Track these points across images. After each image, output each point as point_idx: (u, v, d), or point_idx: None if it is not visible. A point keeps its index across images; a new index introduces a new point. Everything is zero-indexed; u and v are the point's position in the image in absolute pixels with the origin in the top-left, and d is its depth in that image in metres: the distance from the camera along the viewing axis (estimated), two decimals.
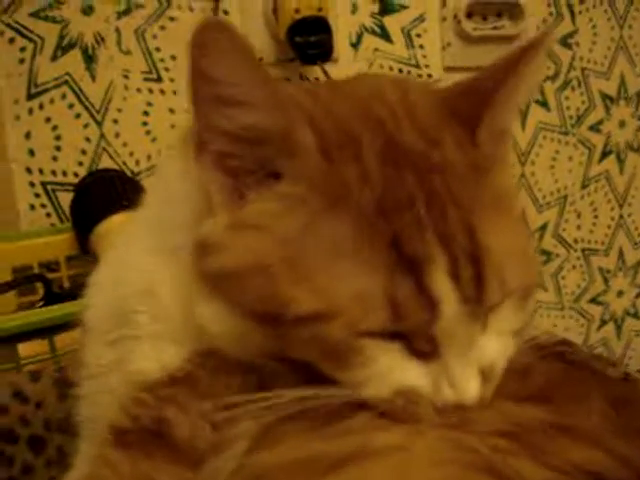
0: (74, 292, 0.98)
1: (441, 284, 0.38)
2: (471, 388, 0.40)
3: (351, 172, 0.39)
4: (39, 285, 1.01)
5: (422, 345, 0.40)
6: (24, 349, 0.75)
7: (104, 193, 0.97)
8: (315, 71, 1.16)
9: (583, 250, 1.58)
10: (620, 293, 1.65)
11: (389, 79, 0.49)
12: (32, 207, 1.10)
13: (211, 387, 0.43)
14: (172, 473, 0.41)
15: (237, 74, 0.39)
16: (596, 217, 1.57)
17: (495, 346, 0.42)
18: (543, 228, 1.50)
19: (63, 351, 0.77)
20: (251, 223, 0.41)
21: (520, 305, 0.43)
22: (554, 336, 0.52)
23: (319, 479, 0.35)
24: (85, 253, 0.98)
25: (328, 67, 1.10)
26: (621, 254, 1.62)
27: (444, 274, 0.38)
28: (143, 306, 0.47)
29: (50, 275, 1.01)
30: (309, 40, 1.05)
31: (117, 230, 0.92)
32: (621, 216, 1.59)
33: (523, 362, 0.45)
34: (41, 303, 0.96)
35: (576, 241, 1.55)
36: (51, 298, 0.96)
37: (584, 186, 1.53)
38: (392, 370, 0.40)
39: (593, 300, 1.63)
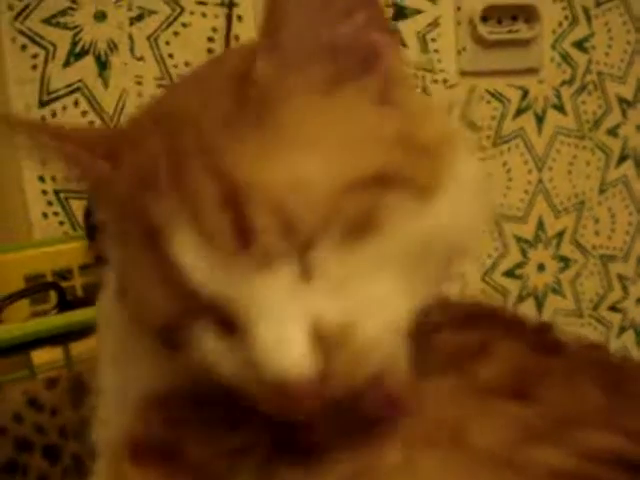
0: (88, 300, 0.98)
1: (183, 245, 0.32)
2: (292, 352, 0.31)
3: (127, 165, 0.36)
4: (52, 293, 1.00)
5: (223, 320, 0.33)
6: (38, 357, 0.74)
7: None
8: None
9: (601, 256, 1.56)
10: (639, 300, 1.63)
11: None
12: (45, 215, 1.10)
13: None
14: None
15: None
16: (614, 223, 1.55)
17: (344, 299, 0.33)
18: (560, 235, 1.48)
19: (78, 359, 0.76)
20: None
21: (362, 225, 0.33)
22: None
23: None
24: (99, 263, 0.97)
25: None
26: (639, 260, 1.61)
27: (185, 233, 0.32)
28: None
29: (63, 283, 1.01)
30: None
31: None
32: (639, 222, 1.58)
33: (474, 339, 0.41)
34: (55, 311, 0.96)
35: (594, 247, 1.53)
36: (65, 306, 0.96)
37: (602, 191, 1.51)
38: (211, 345, 0.34)
39: (612, 307, 1.61)
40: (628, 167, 1.53)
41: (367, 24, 0.36)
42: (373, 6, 0.37)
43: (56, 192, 1.10)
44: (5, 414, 0.60)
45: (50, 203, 1.10)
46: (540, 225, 1.46)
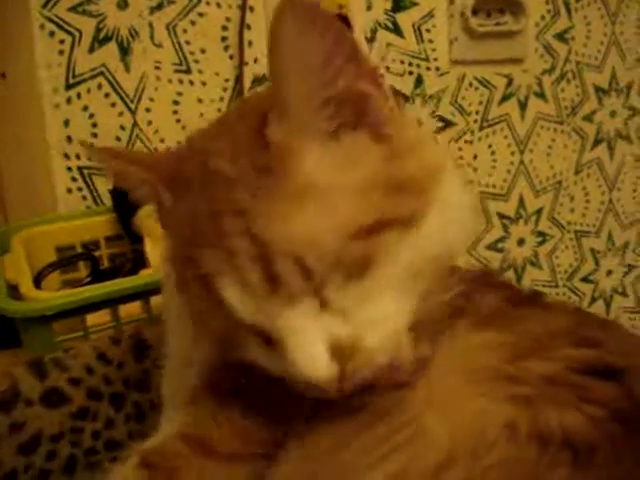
0: (117, 269, 1.06)
1: (228, 288, 0.42)
2: (314, 364, 0.41)
3: (182, 207, 0.45)
4: (81, 263, 1.08)
5: (266, 338, 0.44)
6: (90, 319, 0.82)
7: None
8: None
9: (576, 232, 1.64)
10: (609, 272, 1.72)
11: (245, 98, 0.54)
12: (69, 190, 1.15)
13: None
14: (263, 427, 0.48)
15: None
16: (588, 201, 1.63)
17: (350, 321, 0.43)
18: (539, 211, 1.57)
19: (125, 320, 0.84)
20: None
21: (362, 266, 0.42)
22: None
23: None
24: (128, 235, 1.05)
25: None
26: (610, 236, 1.69)
27: (228, 279, 0.41)
28: None
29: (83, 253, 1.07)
30: None
31: None
32: (610, 200, 1.65)
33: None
34: (88, 279, 1.03)
35: (569, 223, 1.61)
36: (98, 275, 1.03)
37: (577, 172, 1.59)
38: (259, 358, 0.46)
39: (584, 279, 1.69)
40: (602, 150, 1.61)
41: (356, 76, 0.43)
42: (357, 59, 0.43)
43: (80, 169, 1.15)
44: (79, 367, 0.69)
45: (74, 179, 1.15)
46: (521, 203, 1.54)
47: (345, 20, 1.14)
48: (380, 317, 0.43)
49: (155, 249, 0.98)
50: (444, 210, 0.45)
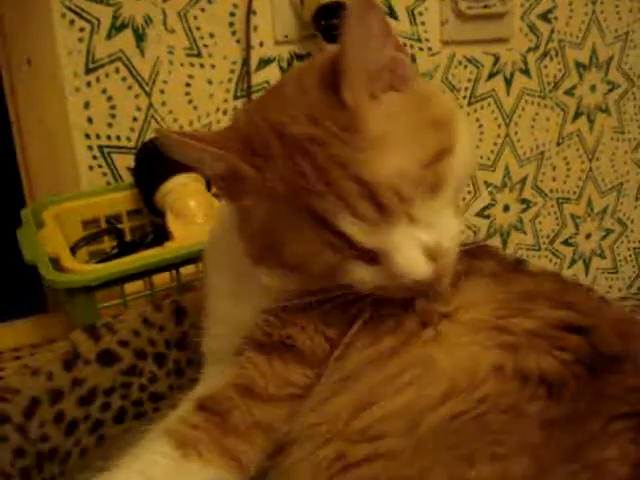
0: (140, 241, 1.15)
1: (347, 223, 0.52)
2: (417, 266, 0.53)
3: (271, 176, 0.54)
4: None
5: (370, 258, 0.54)
6: (128, 287, 0.92)
7: (166, 157, 1.13)
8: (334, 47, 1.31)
9: (557, 199, 1.73)
10: (588, 236, 1.81)
11: (293, 74, 0.63)
12: (90, 168, 1.23)
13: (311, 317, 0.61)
14: (299, 372, 0.59)
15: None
16: (569, 170, 1.71)
17: (433, 230, 0.54)
18: (523, 180, 1.65)
19: (159, 288, 0.94)
20: (251, 221, 0.58)
21: (434, 187, 0.53)
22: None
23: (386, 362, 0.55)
24: (149, 209, 1.14)
25: None
26: (590, 202, 1.77)
27: (346, 216, 0.52)
28: None
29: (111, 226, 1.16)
30: (332, 23, 1.21)
31: (179, 190, 1.09)
32: (590, 169, 1.74)
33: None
34: (115, 251, 1.13)
35: (551, 191, 1.70)
36: (123, 247, 1.13)
37: (559, 143, 1.67)
38: (360, 274, 0.56)
39: (565, 242, 1.79)
40: (582, 123, 1.69)
41: (394, 46, 0.56)
42: (392, 34, 0.56)
43: (100, 147, 1.22)
44: (126, 330, 0.79)
45: (95, 157, 1.22)
46: (506, 172, 1.62)
47: (344, 6, 1.22)
48: (448, 224, 0.56)
49: (176, 223, 1.07)
50: (463, 139, 0.57)
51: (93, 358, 0.76)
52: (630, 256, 1.91)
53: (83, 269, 0.90)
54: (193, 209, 1.07)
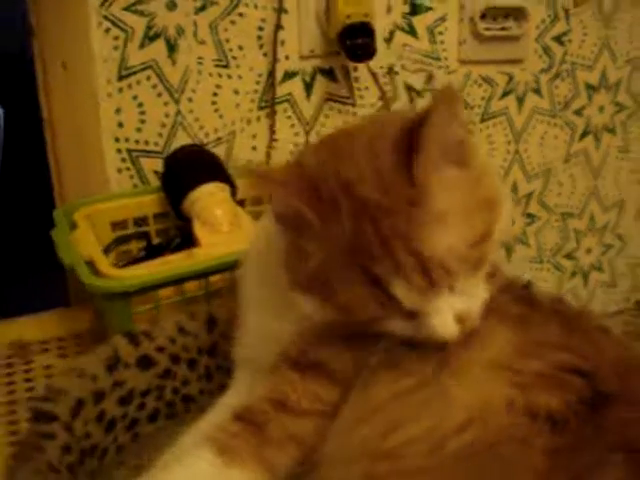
0: (167, 244, 1.20)
1: (399, 288, 0.58)
2: (448, 329, 0.60)
3: (335, 229, 0.58)
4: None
5: (409, 315, 0.61)
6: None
7: (194, 166, 1.18)
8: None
9: (561, 214, 1.77)
10: (589, 250, 1.85)
11: (363, 130, 0.66)
12: (119, 170, 1.27)
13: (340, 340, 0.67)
14: (330, 390, 0.65)
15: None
16: (574, 187, 1.75)
17: (466, 298, 0.61)
18: (529, 195, 1.70)
19: (189, 294, 1.00)
20: (304, 258, 0.62)
21: (476, 265, 0.59)
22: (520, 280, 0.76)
23: (410, 395, 0.61)
24: (177, 215, 1.19)
25: None
26: (592, 218, 1.81)
27: (400, 283, 0.57)
28: None
29: (139, 229, 1.20)
30: (357, 42, 1.27)
31: (207, 199, 1.14)
32: (595, 186, 1.78)
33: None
34: (143, 253, 1.18)
35: (556, 206, 1.74)
36: (151, 250, 1.18)
37: (566, 161, 1.71)
38: (397, 327, 0.62)
39: (567, 256, 1.83)
40: (589, 141, 1.73)
41: (459, 124, 0.61)
42: (460, 114, 0.61)
43: (129, 151, 1.27)
44: (163, 337, 0.84)
45: (123, 160, 1.27)
46: (514, 187, 1.67)
47: (368, 26, 1.28)
48: (480, 293, 0.63)
49: (202, 230, 1.12)
50: (504, 218, 0.63)
51: (133, 362, 0.81)
52: (627, 271, 1.96)
53: (121, 275, 0.95)
54: (219, 218, 1.12)
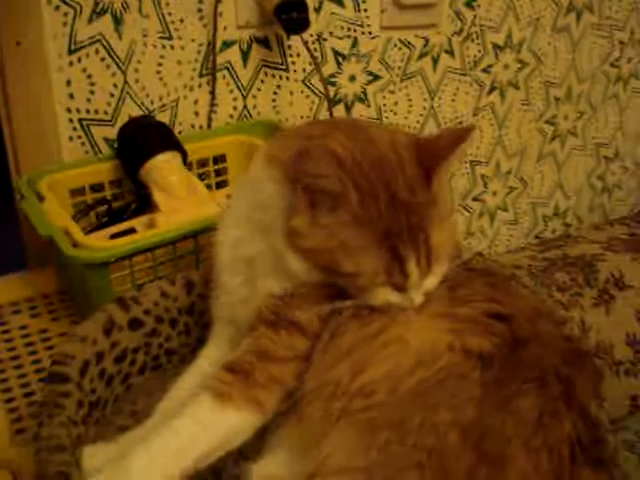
0: (124, 209, 1.30)
1: (411, 267, 0.75)
2: (418, 300, 0.77)
3: (373, 213, 0.73)
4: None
5: (400, 288, 0.77)
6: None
7: (149, 135, 1.27)
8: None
9: (471, 162, 1.93)
10: (495, 193, 2.03)
11: (384, 139, 0.80)
12: (70, 139, 1.35)
13: (309, 298, 0.82)
14: (302, 342, 0.80)
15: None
16: (482, 137, 1.91)
17: (433, 279, 0.78)
18: None
19: (159, 260, 1.12)
20: (322, 226, 0.75)
21: (449, 255, 0.80)
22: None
23: (373, 340, 0.77)
24: (135, 183, 1.27)
25: None
26: (497, 164, 1.98)
27: (413, 262, 0.75)
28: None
29: (95, 195, 1.29)
30: (292, 17, 1.37)
31: (163, 167, 1.24)
32: (500, 136, 1.94)
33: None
34: (105, 219, 1.27)
35: (466, 155, 1.89)
36: (113, 216, 1.28)
37: (475, 114, 1.86)
38: (385, 295, 0.78)
39: (475, 199, 2.00)
40: (495, 96, 1.88)
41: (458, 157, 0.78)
42: (464, 150, 0.78)
43: (80, 120, 1.35)
44: (149, 302, 0.97)
45: (75, 129, 1.35)
46: None
47: (303, 3, 1.38)
48: (441, 274, 0.80)
49: (161, 196, 1.23)
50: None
51: (125, 325, 0.94)
52: (529, 210, 2.16)
53: (100, 246, 1.05)
54: (175, 184, 1.23)
